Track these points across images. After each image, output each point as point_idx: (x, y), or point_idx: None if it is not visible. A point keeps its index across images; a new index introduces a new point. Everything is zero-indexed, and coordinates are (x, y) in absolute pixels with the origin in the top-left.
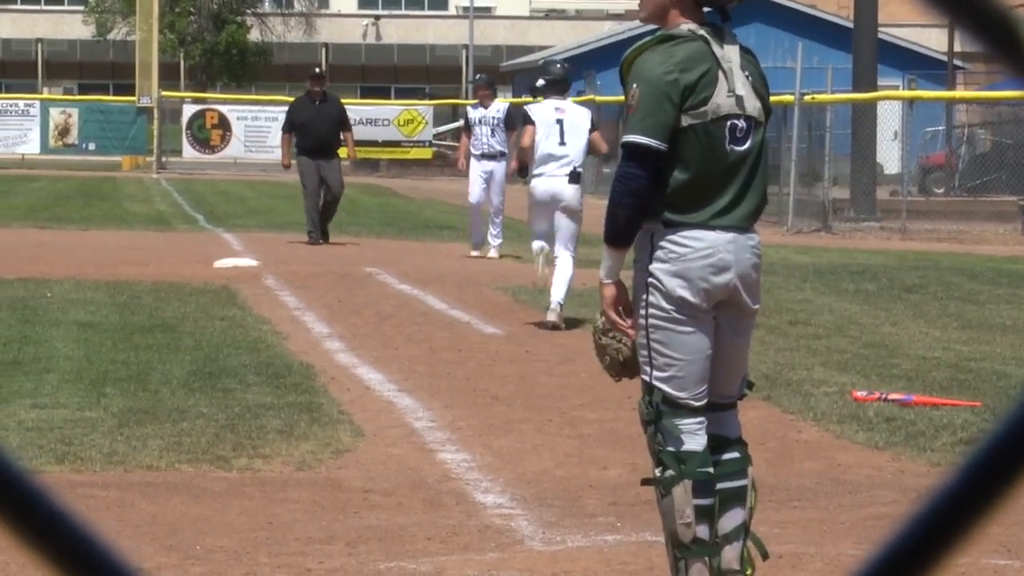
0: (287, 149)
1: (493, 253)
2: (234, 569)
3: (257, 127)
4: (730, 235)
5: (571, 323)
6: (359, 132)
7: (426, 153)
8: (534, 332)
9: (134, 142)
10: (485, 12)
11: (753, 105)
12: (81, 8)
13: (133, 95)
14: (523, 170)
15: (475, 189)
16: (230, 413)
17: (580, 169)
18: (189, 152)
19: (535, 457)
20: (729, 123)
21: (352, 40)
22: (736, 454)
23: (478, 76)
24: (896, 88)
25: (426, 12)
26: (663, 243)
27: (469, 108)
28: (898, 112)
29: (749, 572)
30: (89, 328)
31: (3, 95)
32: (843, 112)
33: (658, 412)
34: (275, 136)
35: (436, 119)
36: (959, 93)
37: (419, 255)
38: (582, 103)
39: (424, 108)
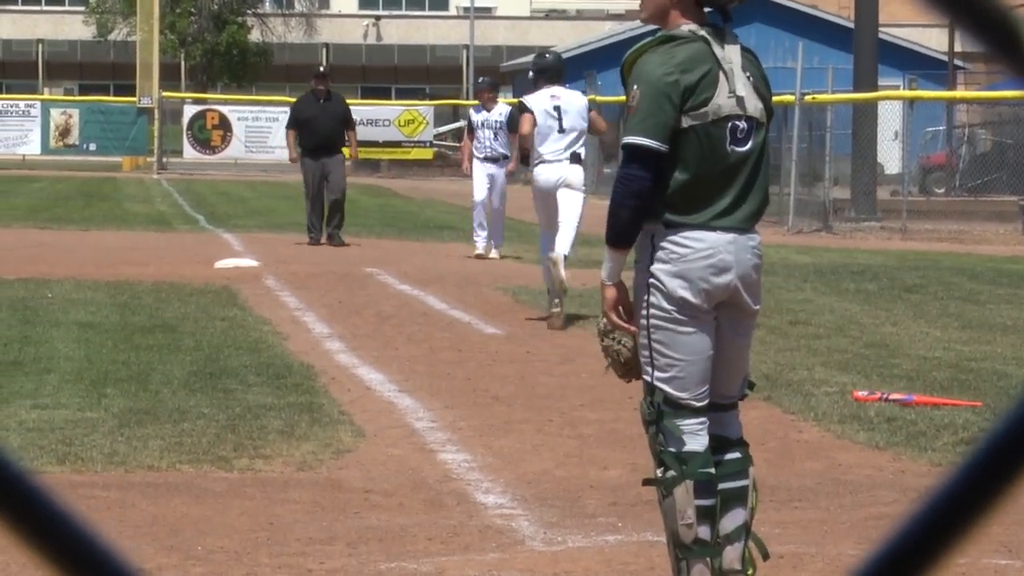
0: (292, 143)
1: (494, 254)
2: (235, 569)
3: (258, 127)
4: (731, 236)
5: (571, 322)
6: (359, 132)
7: (427, 153)
8: (534, 332)
9: (135, 143)
10: (486, 12)
11: (754, 106)
12: (82, 9)
13: (134, 96)
14: (524, 159)
15: (480, 187)
16: (231, 414)
17: (580, 151)
18: (190, 152)
19: (536, 457)
20: (730, 124)
21: (353, 40)
22: (737, 454)
23: (481, 79)
24: (897, 88)
25: (427, 12)
26: (664, 244)
27: (472, 111)
28: (899, 112)
29: (750, 572)
30: (90, 328)
31: (4, 96)
32: (844, 112)
33: (659, 412)
34: (275, 137)
35: (437, 119)
36: (960, 93)
37: (419, 255)
38: None
39: (425, 108)
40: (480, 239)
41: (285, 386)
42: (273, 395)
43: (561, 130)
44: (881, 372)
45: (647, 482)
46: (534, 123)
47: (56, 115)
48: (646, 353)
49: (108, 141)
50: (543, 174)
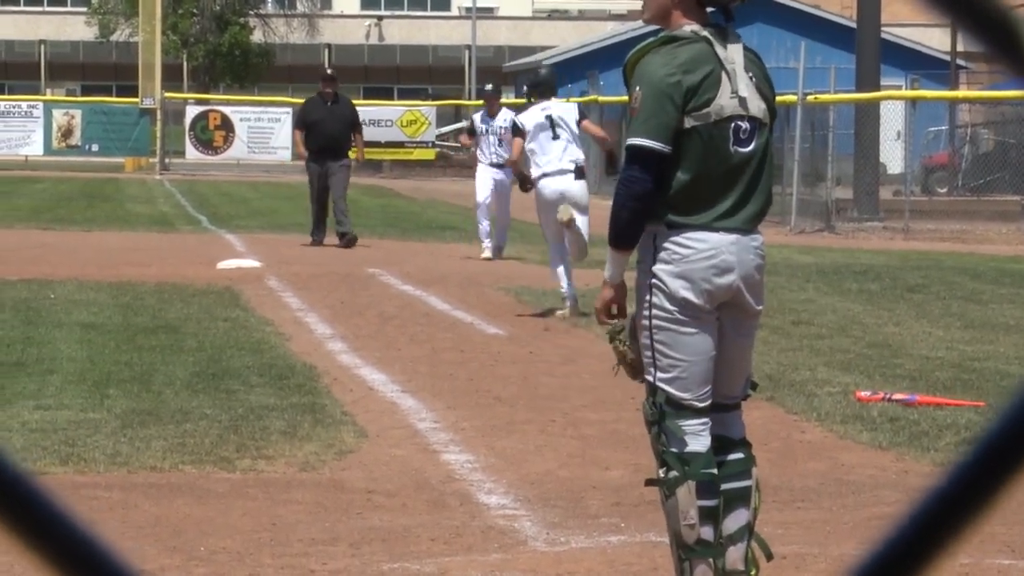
0: (300, 141)
1: (487, 253)
2: (237, 570)
3: (260, 128)
4: (733, 236)
5: (573, 323)
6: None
7: (429, 154)
8: (537, 333)
9: (137, 143)
10: (488, 13)
11: (757, 106)
12: (84, 9)
13: (136, 96)
14: (523, 183)
15: (483, 188)
16: (233, 414)
17: (583, 164)
18: (192, 153)
19: (538, 458)
20: (732, 124)
21: (355, 41)
22: (740, 455)
23: (487, 86)
24: (899, 88)
25: (429, 13)
26: (666, 244)
27: (476, 118)
28: (901, 112)
29: (753, 573)
30: (92, 329)
31: (6, 97)
32: (846, 112)
33: (661, 413)
34: (278, 138)
35: (439, 120)
36: (962, 93)
37: (422, 256)
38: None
39: (427, 109)
40: (487, 243)
41: (288, 387)
42: (276, 396)
43: (555, 136)
44: (884, 372)
45: (650, 482)
46: (522, 149)
47: (58, 116)
48: (648, 354)
49: (110, 142)
50: (548, 186)
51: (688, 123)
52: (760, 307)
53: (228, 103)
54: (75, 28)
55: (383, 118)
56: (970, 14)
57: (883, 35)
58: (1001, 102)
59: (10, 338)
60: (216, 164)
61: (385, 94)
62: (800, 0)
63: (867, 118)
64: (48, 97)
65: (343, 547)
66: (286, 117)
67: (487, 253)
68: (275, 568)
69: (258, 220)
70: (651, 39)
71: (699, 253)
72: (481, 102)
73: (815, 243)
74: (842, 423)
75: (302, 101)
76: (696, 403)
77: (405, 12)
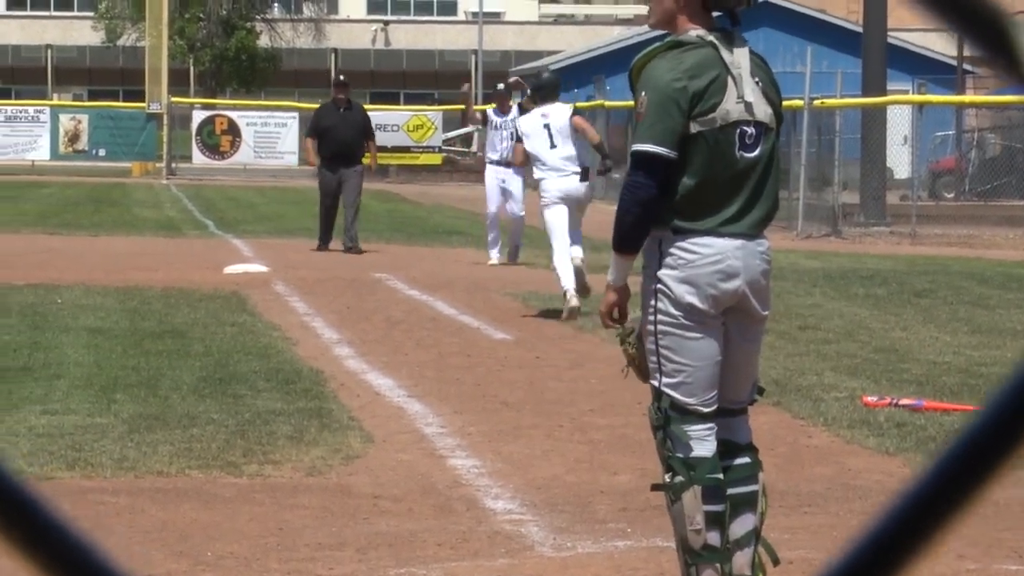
0: (312, 150)
1: (494, 259)
2: (244, 575)
3: (267, 133)
4: (739, 241)
5: (579, 327)
6: None
7: (435, 158)
8: (543, 337)
9: (144, 148)
10: (494, 17)
11: (763, 111)
12: (91, 14)
13: (143, 101)
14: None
15: (492, 197)
16: (240, 419)
17: (588, 165)
18: (199, 158)
19: (545, 463)
20: (738, 130)
21: (361, 46)
22: (747, 459)
23: (500, 85)
24: (906, 92)
25: (435, 17)
26: (672, 249)
27: (490, 111)
28: (908, 116)
29: None
30: (99, 334)
31: (13, 101)
32: (852, 116)
33: (667, 418)
34: (284, 142)
35: (445, 124)
36: (969, 97)
37: (428, 260)
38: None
39: (433, 113)
40: (495, 251)
41: (294, 391)
42: (282, 400)
43: (552, 145)
44: (891, 377)
45: (656, 487)
46: (525, 153)
47: (65, 121)
48: (654, 358)
49: (117, 147)
50: (552, 185)
51: (694, 128)
52: (766, 312)
53: (235, 108)
54: (82, 33)
55: (389, 123)
56: (966, 19)
57: (889, 39)
58: (1008, 107)
59: (17, 343)
60: (223, 169)
61: (391, 99)
62: (806, 4)
63: (874, 123)
64: (55, 102)
65: (350, 552)
66: (292, 122)
67: (494, 261)
68: (282, 573)
69: (265, 225)
70: (657, 44)
71: (705, 258)
72: (492, 104)
73: (822, 248)
74: (849, 428)
75: (309, 106)
76: (701, 408)
77: (412, 17)
